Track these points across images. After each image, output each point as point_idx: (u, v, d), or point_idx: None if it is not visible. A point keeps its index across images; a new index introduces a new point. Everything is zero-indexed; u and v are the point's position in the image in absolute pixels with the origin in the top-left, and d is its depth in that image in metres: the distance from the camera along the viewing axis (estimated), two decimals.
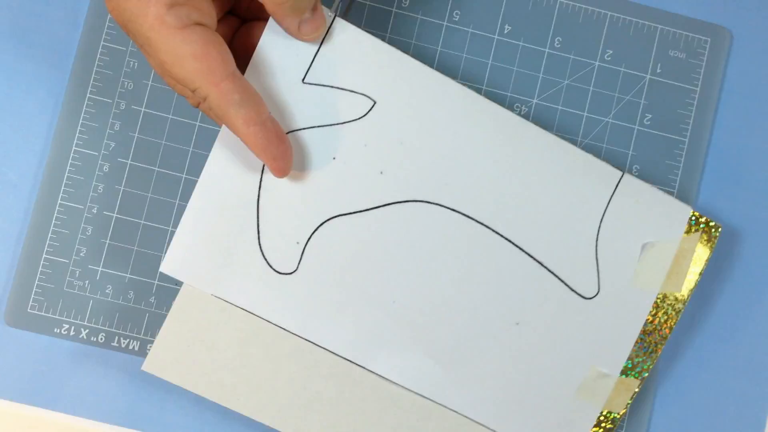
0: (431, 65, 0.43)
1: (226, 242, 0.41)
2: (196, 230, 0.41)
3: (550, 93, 0.48)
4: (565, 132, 0.48)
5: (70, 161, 0.47)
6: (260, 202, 0.41)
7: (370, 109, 0.42)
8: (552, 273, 0.42)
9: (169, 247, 0.41)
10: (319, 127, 0.41)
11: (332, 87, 0.41)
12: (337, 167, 0.41)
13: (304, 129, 0.41)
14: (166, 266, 0.41)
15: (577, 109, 0.48)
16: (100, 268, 0.47)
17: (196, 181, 0.46)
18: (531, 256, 0.42)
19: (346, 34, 0.41)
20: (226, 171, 0.41)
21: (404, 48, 0.45)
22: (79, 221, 0.47)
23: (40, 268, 0.46)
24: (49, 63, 0.48)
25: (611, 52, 0.49)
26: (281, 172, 0.39)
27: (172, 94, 0.47)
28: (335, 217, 0.42)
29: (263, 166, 0.41)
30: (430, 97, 0.42)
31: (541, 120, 0.48)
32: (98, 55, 0.48)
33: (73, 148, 0.47)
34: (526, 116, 0.48)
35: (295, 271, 0.41)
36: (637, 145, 0.48)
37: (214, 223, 0.41)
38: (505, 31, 0.48)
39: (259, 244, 0.41)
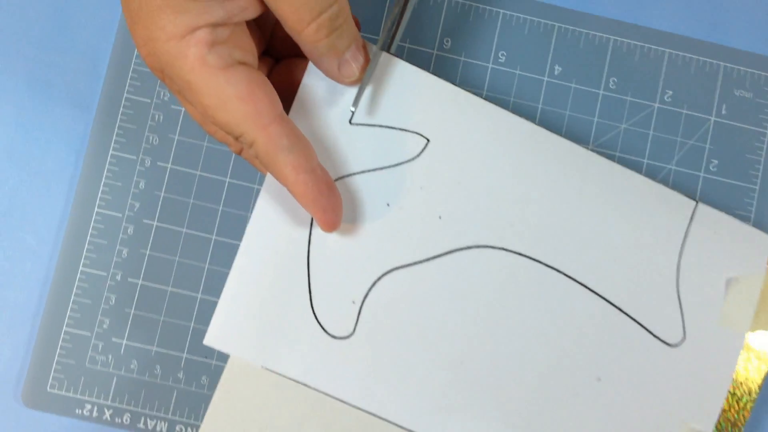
0: None
1: (275, 307, 0.38)
2: (241, 295, 0.38)
3: (606, 138, 0.45)
4: None
5: (92, 224, 0.44)
6: (310, 259, 0.38)
7: (424, 148, 0.39)
8: (633, 319, 0.39)
9: (213, 316, 0.38)
10: (369, 171, 0.39)
11: (382, 126, 0.39)
12: (391, 214, 0.39)
13: (353, 174, 0.38)
14: (210, 338, 0.38)
15: (636, 155, 0.45)
16: (124, 341, 0.44)
17: (227, 242, 0.43)
18: (609, 302, 0.39)
19: (394, 68, 0.39)
20: (272, 227, 0.38)
21: None
22: (101, 289, 0.44)
23: (60, 343, 0.43)
24: (68, 118, 0.46)
25: (671, 92, 0.46)
26: (331, 225, 0.36)
27: (201, 149, 0.45)
28: (393, 270, 0.39)
29: (312, 219, 0.38)
30: (488, 132, 0.39)
31: None
32: (121, 108, 0.45)
33: (96, 209, 0.44)
34: None
35: (351, 334, 0.38)
36: (704, 193, 0.45)
37: (260, 286, 0.38)
38: (556, 72, 0.46)
39: (312, 307, 0.38)
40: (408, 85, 0.39)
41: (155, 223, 0.44)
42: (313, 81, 0.38)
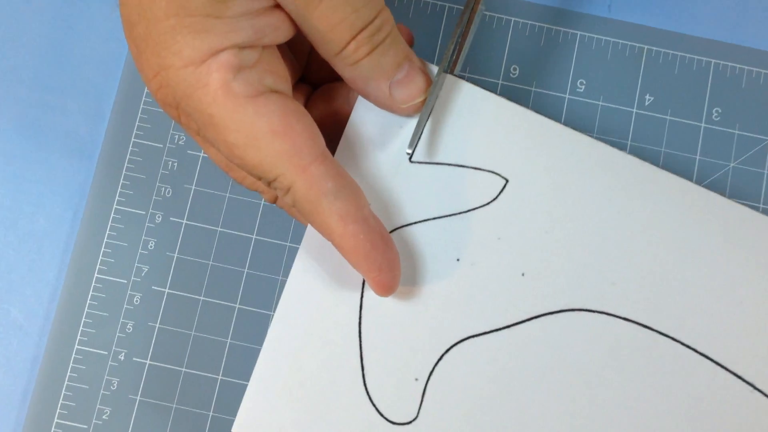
0: None
1: (319, 387, 0.32)
2: (276, 374, 0.32)
3: (712, 179, 0.38)
4: None
5: (90, 292, 0.39)
6: (362, 328, 0.33)
7: (502, 190, 0.33)
8: None
9: (243, 399, 0.32)
10: (434, 219, 0.33)
11: (448, 165, 0.33)
12: (462, 272, 0.33)
13: (414, 224, 0.33)
14: (240, 427, 0.32)
15: (749, 198, 0.38)
16: None
17: (255, 312, 0.39)
18: (740, 378, 0.32)
19: (460, 93, 0.33)
20: (314, 290, 0.33)
21: None
22: (101, 372, 0.38)
23: None
24: (66, 167, 0.40)
25: None
26: (387, 287, 0.31)
27: (222, 201, 0.39)
28: (464, 339, 0.33)
29: (363, 280, 0.33)
30: (580, 168, 0.33)
31: None
32: (128, 155, 0.40)
33: (95, 275, 0.39)
34: None
35: (415, 419, 0.32)
36: None
37: (300, 363, 0.32)
38: (647, 103, 0.39)
39: (365, 386, 0.32)
40: (479, 114, 0.33)
41: (167, 291, 0.39)
42: (363, 114, 0.33)
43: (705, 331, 0.33)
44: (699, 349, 0.33)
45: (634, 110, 0.39)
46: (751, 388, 0.32)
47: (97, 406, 0.37)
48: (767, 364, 0.32)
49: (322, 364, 0.33)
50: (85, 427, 0.37)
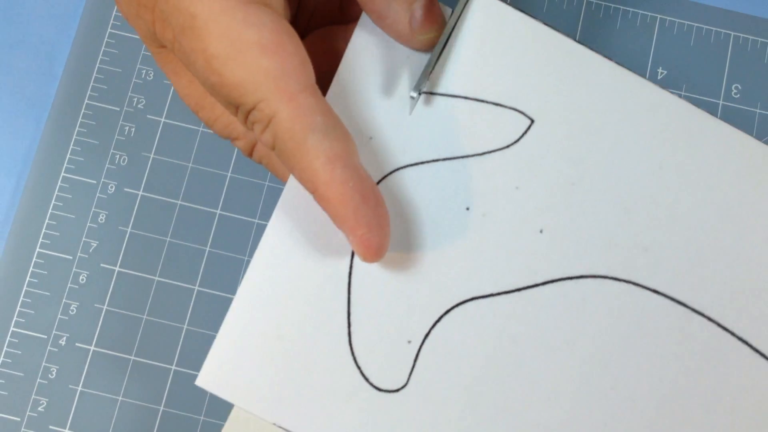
0: None
1: (298, 343, 0.31)
2: (251, 325, 0.31)
3: None
4: None
5: (30, 269, 0.37)
6: (352, 281, 0.31)
7: (526, 132, 0.31)
8: None
9: (211, 350, 0.31)
10: (443, 160, 0.31)
11: (464, 98, 0.31)
12: (471, 223, 0.31)
13: (419, 164, 0.31)
14: (206, 379, 0.30)
15: None
16: (66, 430, 0.36)
17: (215, 296, 0.38)
18: None
19: (487, 12, 0.32)
20: (299, 231, 0.31)
21: None
22: (39, 358, 0.37)
23: None
24: (9, 129, 0.39)
25: None
26: (375, 250, 0.29)
27: (184, 171, 0.38)
28: (468, 301, 0.31)
29: None
30: (621, 111, 0.31)
31: None
32: (80, 118, 0.39)
33: (37, 249, 0.37)
34: None
35: (404, 386, 0.31)
36: None
37: (279, 314, 0.31)
38: (659, 77, 0.38)
39: (350, 346, 0.31)
40: (505, 39, 0.32)
41: (117, 269, 0.38)
42: (362, 42, 0.31)
43: (748, 313, 0.31)
44: (738, 334, 0.31)
45: (721, 102, 0.39)
46: None
47: (33, 396, 0.36)
48: None
49: (304, 317, 0.31)
50: (18, 419, 0.36)
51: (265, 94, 0.27)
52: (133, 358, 0.36)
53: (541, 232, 0.31)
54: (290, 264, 0.31)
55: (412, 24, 0.30)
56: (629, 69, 0.31)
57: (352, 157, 0.28)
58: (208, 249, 0.37)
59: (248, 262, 0.36)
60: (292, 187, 0.31)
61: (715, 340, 0.31)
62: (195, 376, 0.35)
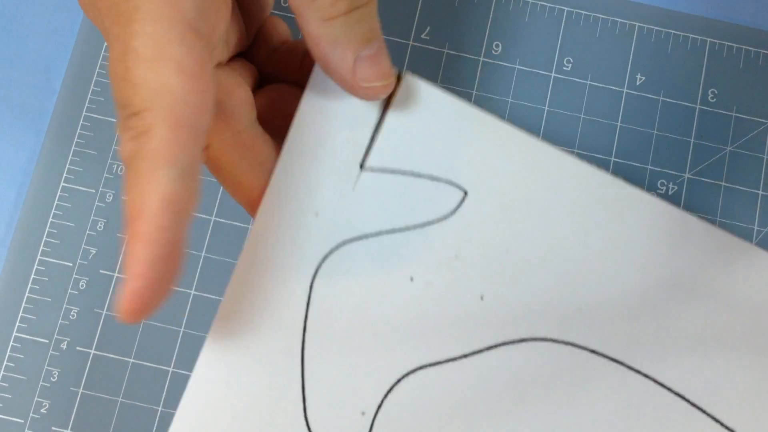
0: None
1: (254, 420, 0.31)
2: (206, 406, 0.31)
3: (708, 163, 0.39)
4: (735, 219, 0.38)
5: (32, 276, 0.39)
6: (305, 355, 0.31)
7: (460, 204, 0.32)
8: None
9: (171, 426, 0.31)
10: (385, 233, 0.32)
11: (403, 173, 0.32)
12: (416, 293, 0.32)
13: (364, 238, 0.32)
14: None
15: (748, 185, 0.39)
16: (68, 431, 0.37)
17: (210, 299, 0.38)
18: (719, 422, 0.32)
19: (421, 95, 0.32)
20: (251, 311, 0.31)
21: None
22: (41, 362, 0.38)
23: None
24: (11, 141, 0.40)
25: None
26: (136, 310, 0.26)
27: None
28: (417, 369, 0.31)
29: (308, 296, 0.31)
30: (547, 183, 0.33)
31: (697, 202, 0.39)
32: (78, 129, 0.40)
33: (38, 257, 0.39)
34: (674, 197, 0.39)
35: None
36: None
37: (234, 393, 0.31)
38: (638, 83, 0.40)
39: (306, 421, 0.31)
40: (438, 119, 0.33)
41: (116, 275, 0.39)
42: (314, 108, 0.32)
43: (682, 368, 0.32)
44: (675, 389, 0.32)
45: (624, 90, 0.40)
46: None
47: (36, 398, 0.37)
48: (747, 409, 0.32)
49: (259, 394, 0.31)
50: (21, 421, 0.37)
51: (155, 107, 0.26)
52: (132, 360, 0.37)
53: (482, 298, 0.32)
54: (243, 342, 0.31)
55: (357, 71, 0.30)
56: (554, 144, 0.33)
57: (186, 214, 0.26)
58: (203, 254, 0.38)
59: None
60: (243, 265, 0.31)
61: (653, 395, 0.32)
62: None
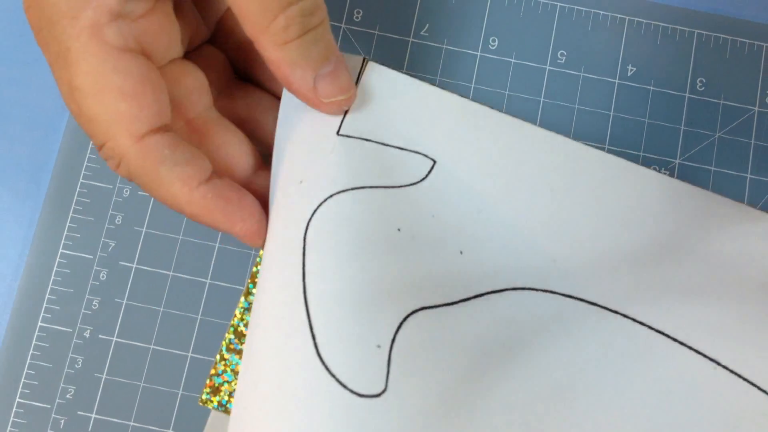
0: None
1: (269, 363, 0.31)
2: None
3: (698, 149, 0.41)
4: None
5: (55, 268, 0.40)
6: (308, 296, 0.31)
7: (430, 171, 0.35)
8: (751, 383, 0.33)
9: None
10: (368, 188, 0.33)
11: (375, 142, 0.34)
12: (404, 243, 0.33)
13: (350, 190, 0.33)
14: None
15: (736, 168, 0.41)
16: (93, 415, 0.39)
17: (224, 287, 0.40)
18: (700, 353, 0.33)
19: (384, 80, 0.35)
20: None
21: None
22: (65, 350, 0.39)
23: (11, 418, 0.39)
24: (30, 144, 0.42)
25: None
26: (255, 234, 0.32)
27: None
28: (418, 311, 0.32)
29: (303, 238, 0.32)
30: (508, 149, 0.35)
31: None
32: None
33: (60, 250, 0.40)
34: None
35: (384, 390, 0.30)
36: None
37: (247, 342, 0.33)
38: (629, 74, 0.42)
39: (319, 357, 0.30)
40: (403, 99, 0.35)
41: (134, 266, 0.40)
42: (291, 99, 0.34)
43: (659, 309, 0.34)
44: (653, 326, 0.34)
45: (617, 81, 0.42)
46: (714, 365, 0.33)
47: (61, 384, 0.39)
48: (725, 336, 0.33)
49: (269, 339, 0.31)
50: (48, 406, 0.39)
51: (114, 134, 0.29)
52: (152, 347, 0.39)
53: (461, 253, 0.34)
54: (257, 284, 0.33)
55: (318, 89, 0.32)
56: (509, 114, 0.36)
57: (205, 174, 0.31)
58: (217, 245, 0.40)
59: (255, 254, 0.40)
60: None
61: (632, 333, 0.33)
62: (209, 362, 0.39)
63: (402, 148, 0.35)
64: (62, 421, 0.38)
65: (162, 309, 0.40)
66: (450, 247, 0.34)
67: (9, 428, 0.38)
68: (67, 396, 0.39)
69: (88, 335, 0.40)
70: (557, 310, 0.34)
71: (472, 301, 0.33)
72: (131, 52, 0.30)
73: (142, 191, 0.40)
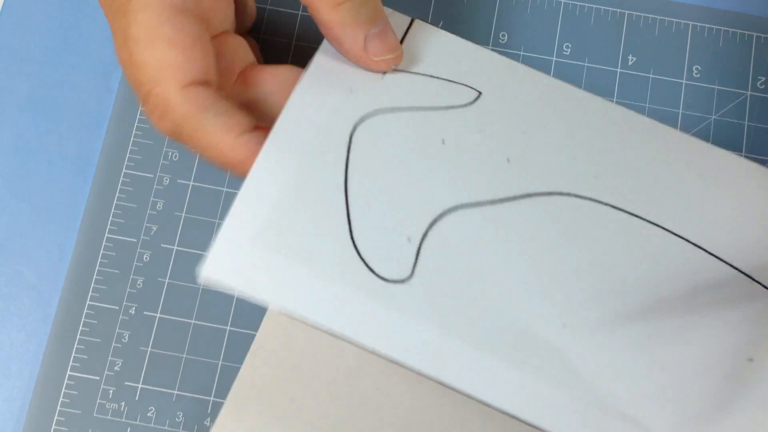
0: None
1: (301, 239, 0.34)
2: (252, 221, 0.34)
3: (696, 131, 0.44)
4: None
5: (102, 251, 0.43)
6: (348, 186, 0.35)
7: (476, 99, 0.38)
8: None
9: (216, 239, 0.33)
10: (416, 110, 0.36)
11: (426, 75, 0.37)
12: (449, 152, 0.36)
13: (397, 111, 0.36)
14: (211, 269, 0.33)
15: (731, 148, 0.44)
16: (140, 385, 0.42)
17: None
18: (732, 266, 0.36)
19: (431, 37, 0.38)
20: (299, 140, 0.35)
21: None
22: (113, 326, 0.42)
23: (63, 390, 0.41)
24: (77, 136, 0.45)
25: (764, 79, 0.45)
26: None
27: None
28: (457, 208, 0.35)
29: (350, 136, 0.35)
30: (550, 98, 0.38)
31: None
32: (136, 123, 0.45)
33: (106, 235, 0.44)
34: None
35: (409, 277, 0.34)
36: None
37: (280, 213, 0.34)
38: (630, 63, 0.45)
39: (353, 241, 0.34)
40: (450, 52, 0.38)
41: (175, 248, 0.43)
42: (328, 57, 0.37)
43: (694, 220, 0.36)
44: (686, 237, 0.36)
45: (618, 70, 0.45)
46: (750, 280, 0.36)
47: (109, 358, 0.42)
48: (756, 252, 0.36)
49: (305, 216, 0.34)
50: (97, 378, 0.41)
51: (160, 79, 0.31)
52: (193, 321, 0.42)
53: (508, 161, 0.36)
54: (288, 171, 0.34)
55: (368, 49, 0.35)
56: (541, 71, 0.39)
57: (248, 125, 0.33)
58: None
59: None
60: (295, 99, 0.35)
61: (670, 245, 0.36)
62: (246, 334, 0.42)
63: (449, 80, 0.37)
64: (111, 391, 0.41)
65: (201, 287, 0.43)
66: (496, 156, 0.36)
67: (61, 399, 0.41)
68: (115, 368, 0.42)
69: (133, 312, 0.43)
70: (600, 216, 0.36)
71: (518, 200, 0.36)
72: (188, 13, 0.32)
73: (181, 179, 0.44)
